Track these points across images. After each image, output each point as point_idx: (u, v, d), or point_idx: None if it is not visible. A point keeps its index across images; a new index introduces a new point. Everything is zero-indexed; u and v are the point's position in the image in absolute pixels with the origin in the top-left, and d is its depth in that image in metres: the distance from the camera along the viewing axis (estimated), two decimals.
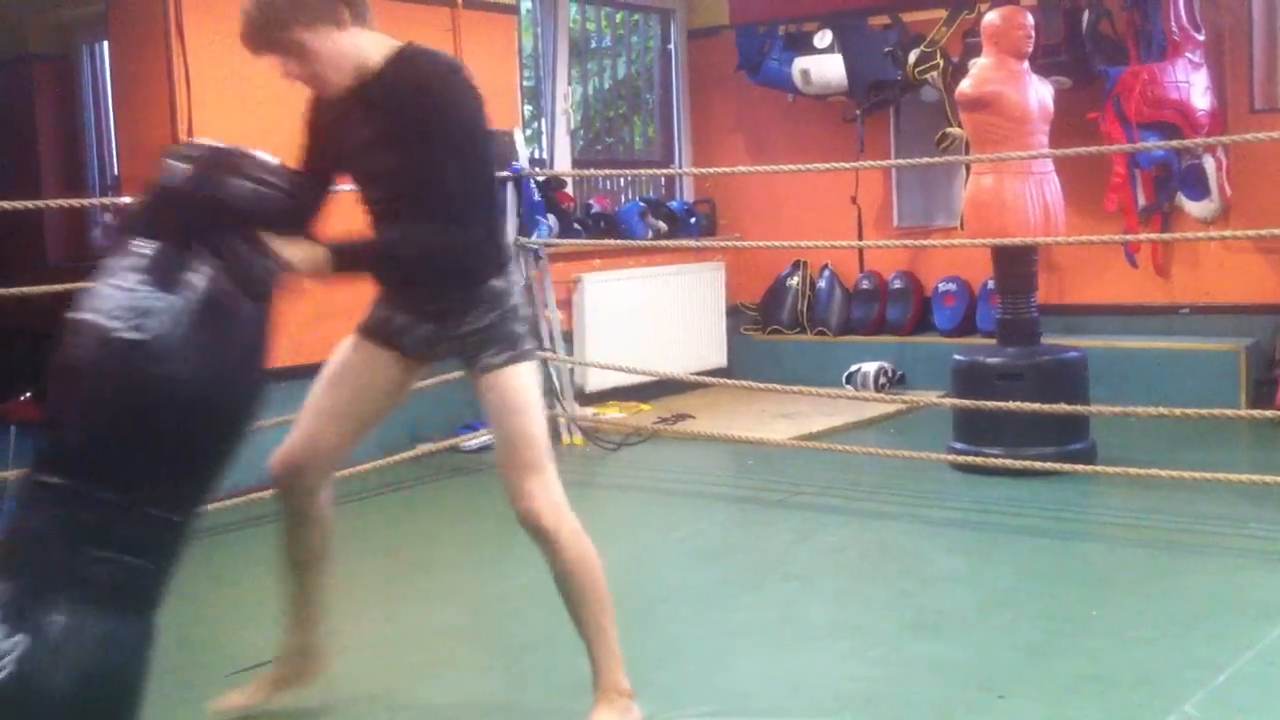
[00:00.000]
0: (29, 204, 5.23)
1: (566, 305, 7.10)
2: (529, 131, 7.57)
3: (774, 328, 8.04)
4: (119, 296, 2.39)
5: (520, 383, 2.80)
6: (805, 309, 7.95)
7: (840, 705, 3.14)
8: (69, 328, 2.40)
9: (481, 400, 2.82)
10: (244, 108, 5.76)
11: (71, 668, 2.31)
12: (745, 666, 3.45)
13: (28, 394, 5.34)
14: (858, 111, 7.61)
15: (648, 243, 7.64)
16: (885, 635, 3.64)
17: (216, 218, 2.51)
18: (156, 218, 2.51)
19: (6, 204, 4.97)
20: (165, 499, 2.41)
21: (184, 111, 5.53)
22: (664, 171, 8.45)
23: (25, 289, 4.99)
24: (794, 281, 8.02)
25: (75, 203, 5.97)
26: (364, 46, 2.76)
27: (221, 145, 2.68)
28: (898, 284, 7.74)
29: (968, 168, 5.97)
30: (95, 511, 2.35)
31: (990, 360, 5.53)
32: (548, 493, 2.81)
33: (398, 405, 3.08)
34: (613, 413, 6.98)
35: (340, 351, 3.03)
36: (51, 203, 5.68)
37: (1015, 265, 5.61)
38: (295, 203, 2.71)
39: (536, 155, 7.57)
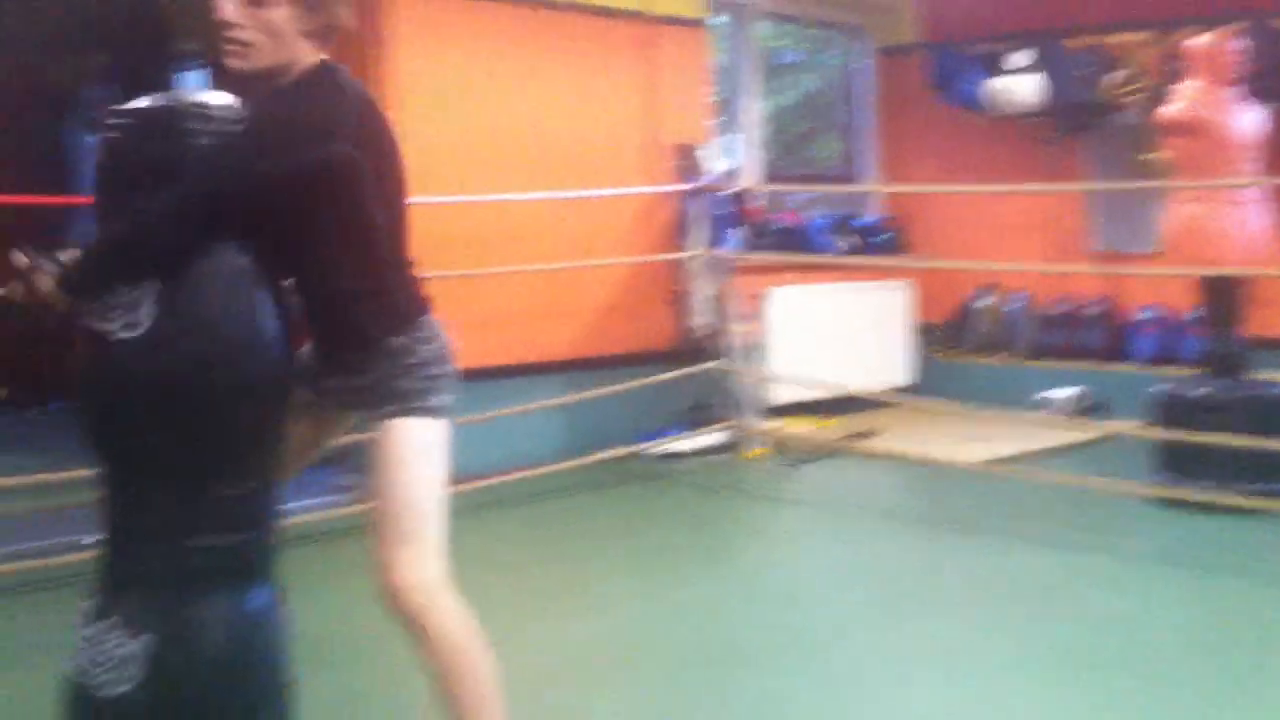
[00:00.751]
0: None
1: (752, 319, 7.09)
2: (718, 145, 7.59)
3: (962, 348, 7.91)
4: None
5: (402, 438, 2.45)
6: (995, 331, 7.80)
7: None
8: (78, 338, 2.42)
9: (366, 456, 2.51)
10: (444, 118, 5.93)
11: (203, 656, 2.36)
12: (919, 695, 3.37)
13: None
14: (1053, 133, 7.44)
15: (836, 258, 7.60)
16: (1067, 673, 3.51)
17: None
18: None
19: None
20: (228, 475, 2.41)
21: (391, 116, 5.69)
22: (855, 188, 8.39)
23: None
24: (985, 303, 7.88)
25: None
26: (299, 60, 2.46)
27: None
28: (1094, 310, 7.54)
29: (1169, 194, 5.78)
30: (170, 505, 2.37)
31: (1195, 393, 5.34)
32: (417, 569, 2.42)
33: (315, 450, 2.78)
34: (797, 427, 6.95)
35: None
36: None
37: (1221, 296, 5.41)
38: None
39: (726, 169, 7.58)
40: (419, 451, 2.45)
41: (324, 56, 2.48)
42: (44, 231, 7.63)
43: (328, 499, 5.49)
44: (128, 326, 2.33)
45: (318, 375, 2.57)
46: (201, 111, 2.40)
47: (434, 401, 2.48)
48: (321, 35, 2.47)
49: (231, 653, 2.39)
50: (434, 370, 2.50)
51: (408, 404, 2.45)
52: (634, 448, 6.34)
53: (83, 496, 5.17)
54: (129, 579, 2.37)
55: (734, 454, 6.57)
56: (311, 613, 4.10)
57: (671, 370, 6.51)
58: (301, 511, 5.21)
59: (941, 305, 8.07)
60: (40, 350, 7.32)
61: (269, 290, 2.45)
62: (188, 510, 2.37)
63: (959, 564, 4.65)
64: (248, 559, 2.45)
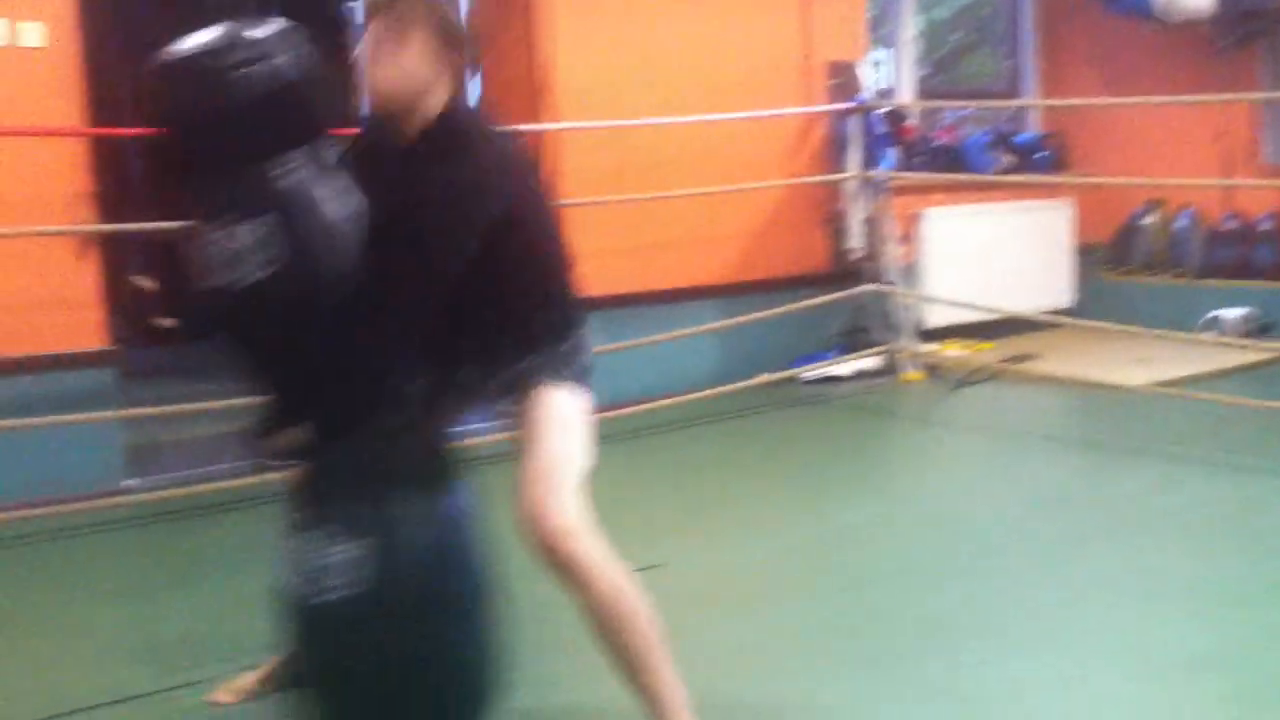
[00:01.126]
0: None
1: (910, 239, 7.00)
2: (873, 62, 7.46)
3: (1126, 268, 7.69)
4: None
5: (557, 402, 2.56)
6: (1161, 250, 7.56)
7: (1190, 667, 3.00)
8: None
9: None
10: (601, 46, 5.94)
11: (420, 554, 2.38)
12: (1096, 617, 3.33)
13: None
14: (1226, 41, 7.13)
15: (993, 177, 7.42)
16: (1244, 597, 3.43)
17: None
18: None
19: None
20: (398, 373, 2.45)
21: (545, 48, 5.73)
22: (1013, 103, 8.17)
23: None
24: (1149, 220, 7.63)
25: None
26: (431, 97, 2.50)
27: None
28: (1267, 225, 7.25)
29: None
30: (367, 411, 2.42)
31: None
32: (568, 515, 2.44)
33: None
34: (954, 350, 6.86)
35: None
36: None
37: None
38: None
39: (882, 86, 7.46)
40: (570, 415, 2.56)
41: (453, 96, 2.50)
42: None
43: (485, 424, 5.61)
44: (267, 264, 2.31)
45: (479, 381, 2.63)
46: (253, 43, 2.33)
47: (584, 382, 2.62)
48: (455, 74, 2.50)
49: (447, 549, 2.43)
50: (585, 361, 2.65)
51: (562, 377, 2.57)
52: (790, 372, 6.33)
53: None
54: (338, 488, 2.42)
55: (890, 378, 6.52)
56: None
57: (827, 293, 6.47)
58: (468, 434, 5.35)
59: (1104, 223, 7.84)
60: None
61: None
62: (385, 415, 2.43)
63: (1126, 488, 4.56)
64: (447, 459, 2.50)
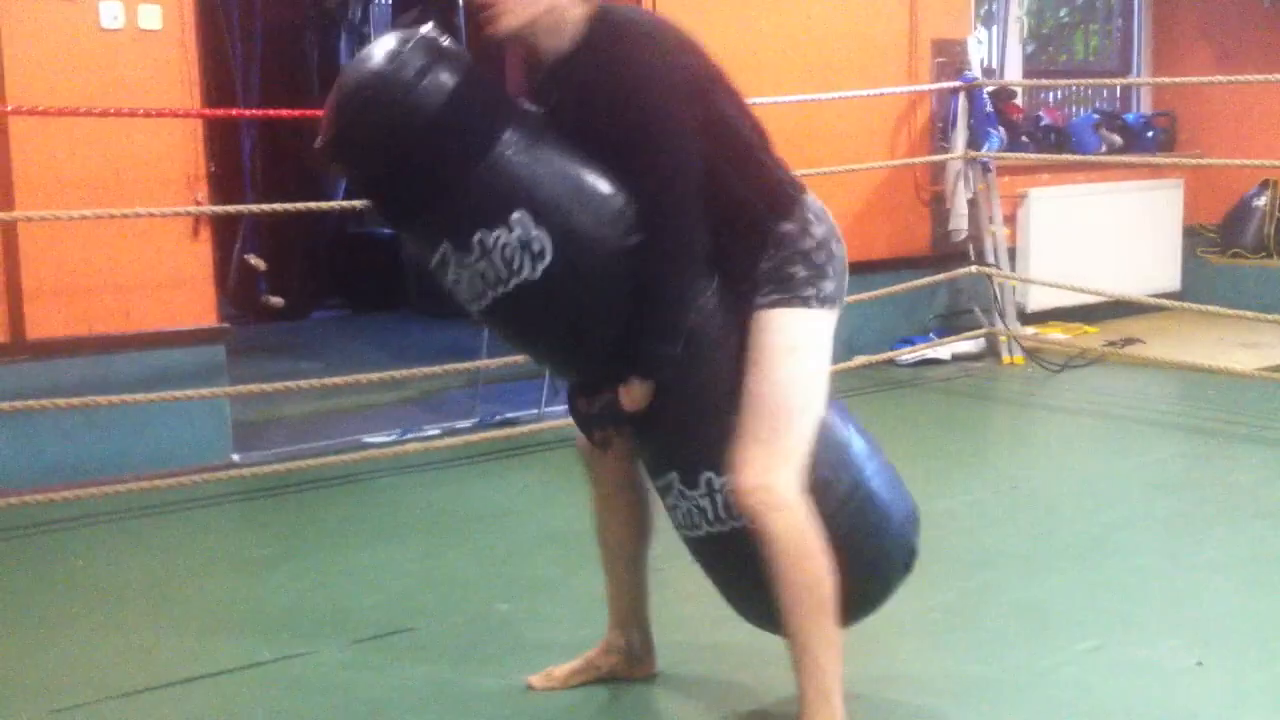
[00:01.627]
0: None
1: (1012, 220, 6.90)
2: (980, 40, 7.34)
3: (1235, 250, 7.50)
4: None
5: (781, 328, 2.38)
6: (1273, 232, 7.37)
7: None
8: None
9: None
10: (705, 26, 5.85)
11: None
12: (1216, 603, 3.29)
13: None
14: None
15: (1100, 157, 7.29)
16: None
17: None
18: None
19: None
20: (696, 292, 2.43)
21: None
22: (1120, 81, 8.00)
23: None
24: (1261, 202, 7.44)
25: None
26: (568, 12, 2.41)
27: None
28: None
29: None
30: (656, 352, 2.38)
31: None
32: (768, 473, 2.32)
33: None
34: (1056, 333, 6.75)
35: None
36: None
37: None
38: None
39: (987, 64, 7.34)
40: (795, 347, 2.38)
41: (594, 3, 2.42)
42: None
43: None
44: (537, 258, 2.32)
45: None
46: (419, 52, 2.31)
47: (823, 289, 2.42)
48: None
49: None
50: (823, 255, 2.44)
51: (792, 292, 2.39)
52: (891, 354, 6.28)
53: (360, 399, 5.53)
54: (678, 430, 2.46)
55: (992, 361, 6.44)
56: (569, 512, 4.29)
57: (929, 275, 6.41)
58: (561, 416, 5.39)
59: (1214, 205, 7.65)
60: (306, 266, 7.80)
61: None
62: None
63: (1239, 474, 4.48)
64: None
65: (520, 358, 5.36)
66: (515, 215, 2.30)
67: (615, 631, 2.88)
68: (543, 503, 4.40)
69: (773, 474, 2.32)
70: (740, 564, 2.46)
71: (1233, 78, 6.40)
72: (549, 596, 3.50)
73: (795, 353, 2.38)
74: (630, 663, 2.88)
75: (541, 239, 2.30)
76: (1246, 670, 2.88)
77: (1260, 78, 6.01)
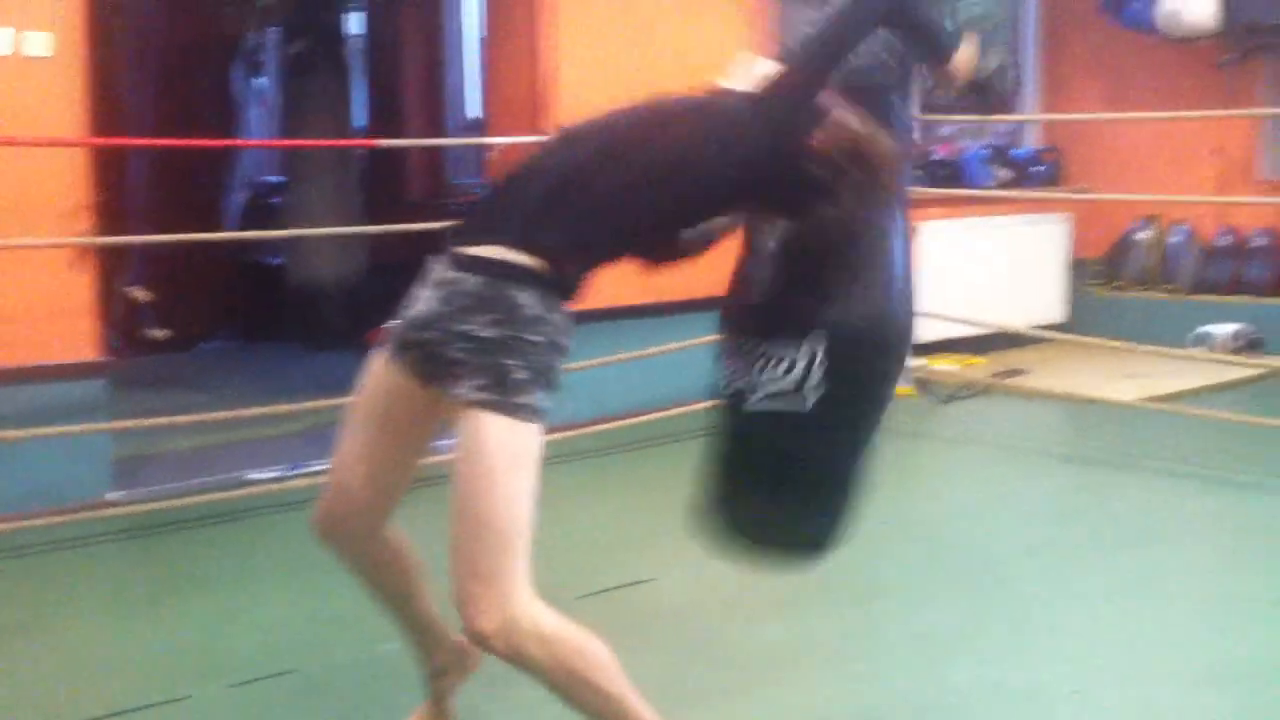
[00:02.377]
0: (410, 143, 5.55)
1: None
2: None
3: (1119, 283, 7.68)
4: None
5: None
6: (1155, 265, 7.56)
7: (1206, 679, 3.02)
8: None
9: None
10: (603, 59, 5.93)
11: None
12: (1095, 632, 3.35)
13: (388, 322, 5.67)
14: (1226, 56, 7.14)
15: (990, 191, 7.42)
16: (1253, 612, 3.45)
17: None
18: None
19: (385, 142, 5.29)
20: None
21: (547, 58, 5.73)
22: (1011, 118, 8.15)
23: (389, 226, 5.31)
24: (1144, 235, 7.62)
25: (449, 142, 6.27)
26: None
27: None
28: (1260, 241, 7.24)
29: None
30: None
31: None
32: (510, 607, 2.16)
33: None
34: (946, 364, 6.85)
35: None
36: (431, 142, 6.00)
37: None
38: None
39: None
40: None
41: None
42: (212, 172, 7.85)
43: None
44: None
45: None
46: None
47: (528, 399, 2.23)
48: None
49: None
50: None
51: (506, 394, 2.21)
52: None
53: (245, 433, 5.42)
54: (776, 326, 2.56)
55: None
56: None
57: None
58: (444, 450, 5.34)
59: (1100, 238, 7.83)
60: (197, 296, 7.67)
61: None
62: None
63: (1122, 503, 4.56)
64: None
65: None
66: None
67: (433, 658, 2.77)
68: (426, 538, 4.30)
69: (511, 607, 2.15)
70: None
71: (1117, 115, 6.58)
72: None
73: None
74: (460, 670, 2.80)
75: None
76: (1122, 698, 2.92)
77: (1144, 115, 6.20)
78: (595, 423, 5.54)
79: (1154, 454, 5.16)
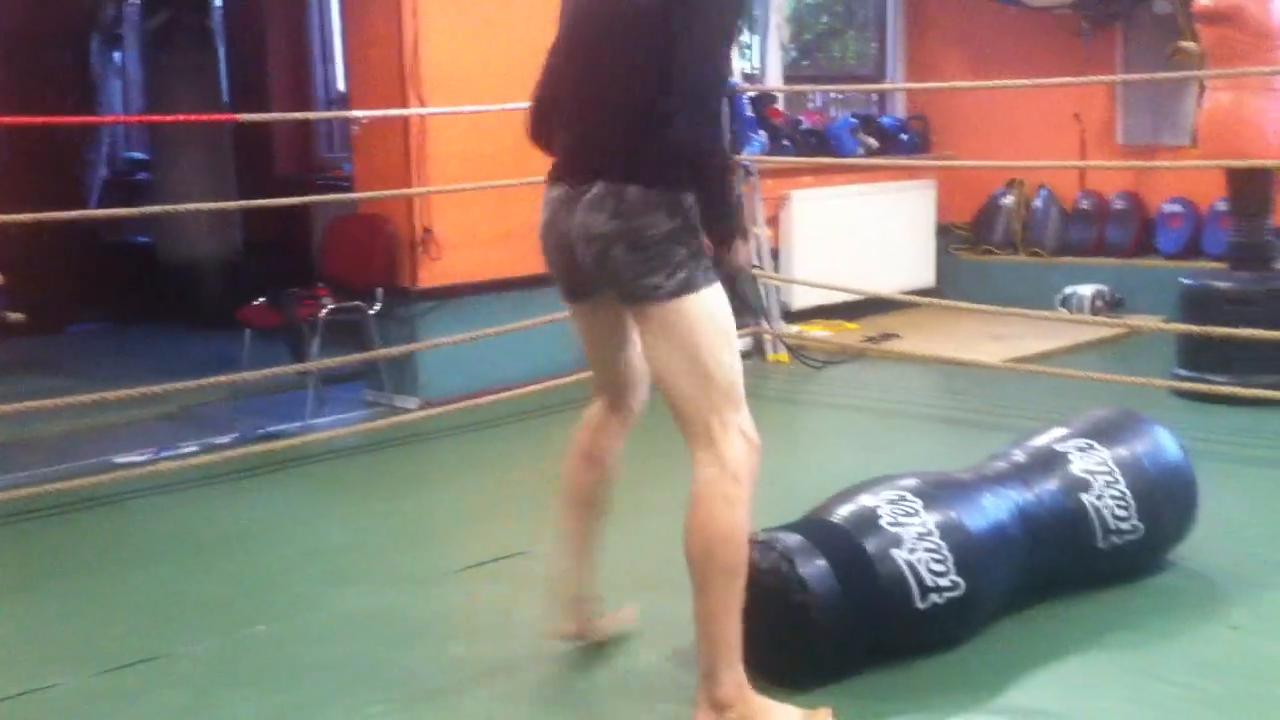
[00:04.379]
0: (270, 117, 5.46)
1: (775, 222, 7.07)
2: (742, 46, 7.51)
3: (985, 248, 7.86)
4: None
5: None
6: (1020, 229, 7.75)
7: (1057, 631, 3.12)
8: None
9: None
10: (469, 27, 5.87)
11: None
12: None
13: (261, 300, 5.60)
14: (1085, 24, 7.32)
15: (858, 160, 7.54)
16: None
17: None
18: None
19: (248, 116, 5.19)
20: None
21: (410, 29, 5.66)
22: (876, 87, 8.29)
23: (257, 201, 5.23)
24: (1008, 200, 7.81)
25: (312, 116, 6.16)
26: None
27: None
28: (1120, 204, 7.47)
29: (1201, 84, 5.71)
30: None
31: (1221, 285, 5.32)
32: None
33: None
34: (818, 331, 6.95)
35: None
36: (292, 116, 5.90)
37: (1251, 186, 5.36)
38: None
39: (748, 70, 7.51)
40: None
41: None
42: (70, 148, 7.62)
43: (354, 414, 5.58)
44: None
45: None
46: None
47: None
48: None
49: None
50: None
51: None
52: None
53: (114, 417, 5.30)
54: None
55: (758, 359, 6.59)
56: (333, 526, 4.21)
57: None
58: (329, 427, 5.30)
59: (966, 205, 8.00)
60: (60, 278, 7.47)
61: None
62: None
63: None
64: None
65: (285, 368, 5.27)
66: None
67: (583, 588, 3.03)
68: (306, 518, 4.31)
69: (745, 436, 2.70)
70: None
71: (979, 83, 6.70)
72: (309, 614, 3.43)
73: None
74: (586, 623, 3.05)
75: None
76: (1011, 654, 3.01)
77: (1005, 83, 6.33)
78: (469, 397, 5.52)
79: (1017, 413, 5.29)
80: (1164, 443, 3.42)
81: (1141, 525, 3.23)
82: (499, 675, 3.01)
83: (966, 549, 2.92)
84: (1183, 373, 5.31)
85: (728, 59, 2.72)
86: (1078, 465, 3.26)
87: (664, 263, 2.51)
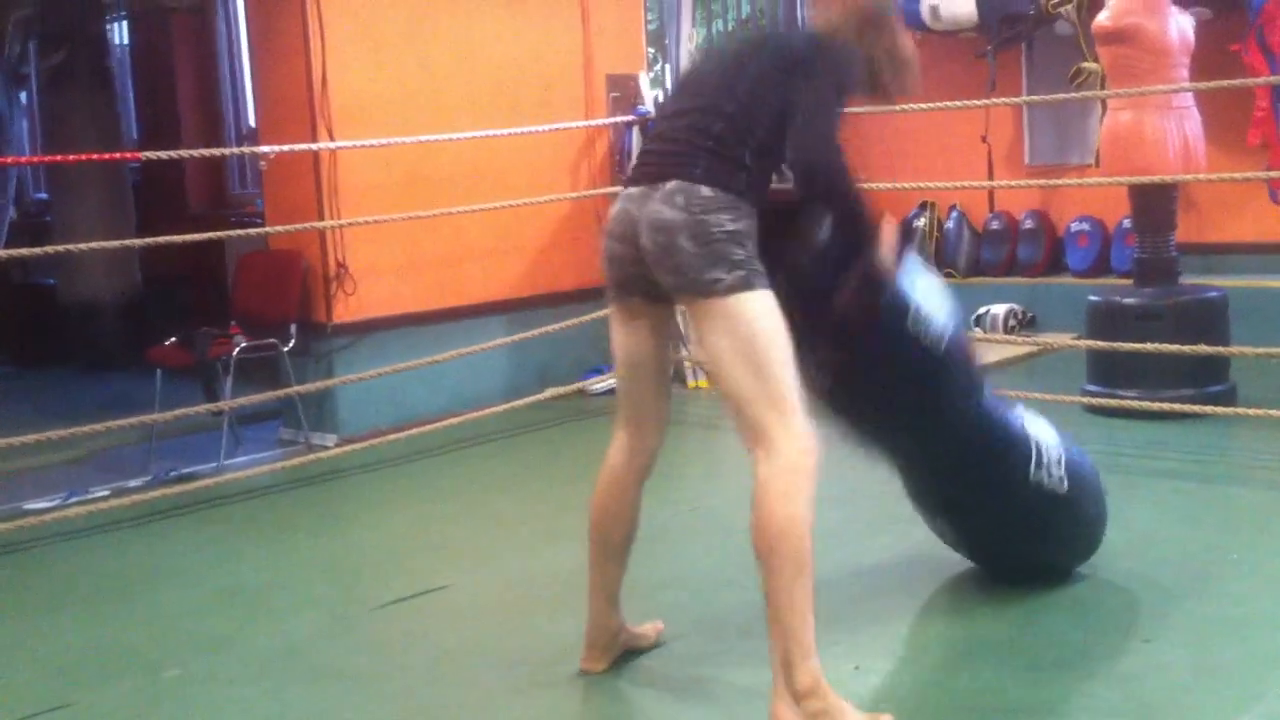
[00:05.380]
0: (174, 154, 5.39)
1: None
2: (653, 75, 7.56)
3: None
4: None
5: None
6: (933, 250, 7.85)
7: (971, 648, 3.16)
8: None
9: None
10: (377, 58, 5.85)
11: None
12: (872, 610, 3.46)
13: (172, 339, 5.52)
14: (988, 47, 7.45)
15: (773, 187, 7.57)
16: (952, 575, 3.61)
17: None
18: None
19: (151, 154, 5.13)
20: None
21: (318, 61, 5.63)
22: None
23: (168, 238, 5.16)
24: (920, 222, 7.91)
25: (217, 152, 6.12)
26: None
27: None
28: (1029, 224, 7.59)
29: (1104, 104, 5.82)
30: None
31: (1128, 301, 5.41)
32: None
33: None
34: None
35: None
36: (195, 152, 5.85)
37: (1154, 203, 5.47)
38: None
39: (660, 98, 7.54)
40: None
41: None
42: None
43: (270, 453, 5.51)
44: None
45: None
46: None
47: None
48: None
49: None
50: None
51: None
52: (581, 384, 6.36)
53: (19, 462, 5.19)
54: None
55: (678, 385, 6.60)
56: (247, 565, 4.15)
57: None
58: (244, 466, 5.23)
59: None
60: None
61: None
62: None
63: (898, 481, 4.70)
64: None
65: (198, 408, 5.20)
66: None
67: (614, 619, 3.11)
68: (220, 559, 4.24)
69: (802, 432, 2.75)
70: None
71: (887, 108, 6.71)
72: (223, 656, 3.37)
73: None
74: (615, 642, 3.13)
75: None
76: (897, 671, 3.04)
77: (912, 107, 6.36)
78: (387, 432, 5.48)
79: None
80: (1080, 454, 3.51)
81: (1066, 483, 3.33)
82: (419, 714, 2.98)
83: None
84: (1093, 388, 5.40)
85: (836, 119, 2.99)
86: (1028, 416, 3.44)
87: (725, 258, 2.66)
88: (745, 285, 2.67)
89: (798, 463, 2.68)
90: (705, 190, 2.70)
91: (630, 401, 3.03)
